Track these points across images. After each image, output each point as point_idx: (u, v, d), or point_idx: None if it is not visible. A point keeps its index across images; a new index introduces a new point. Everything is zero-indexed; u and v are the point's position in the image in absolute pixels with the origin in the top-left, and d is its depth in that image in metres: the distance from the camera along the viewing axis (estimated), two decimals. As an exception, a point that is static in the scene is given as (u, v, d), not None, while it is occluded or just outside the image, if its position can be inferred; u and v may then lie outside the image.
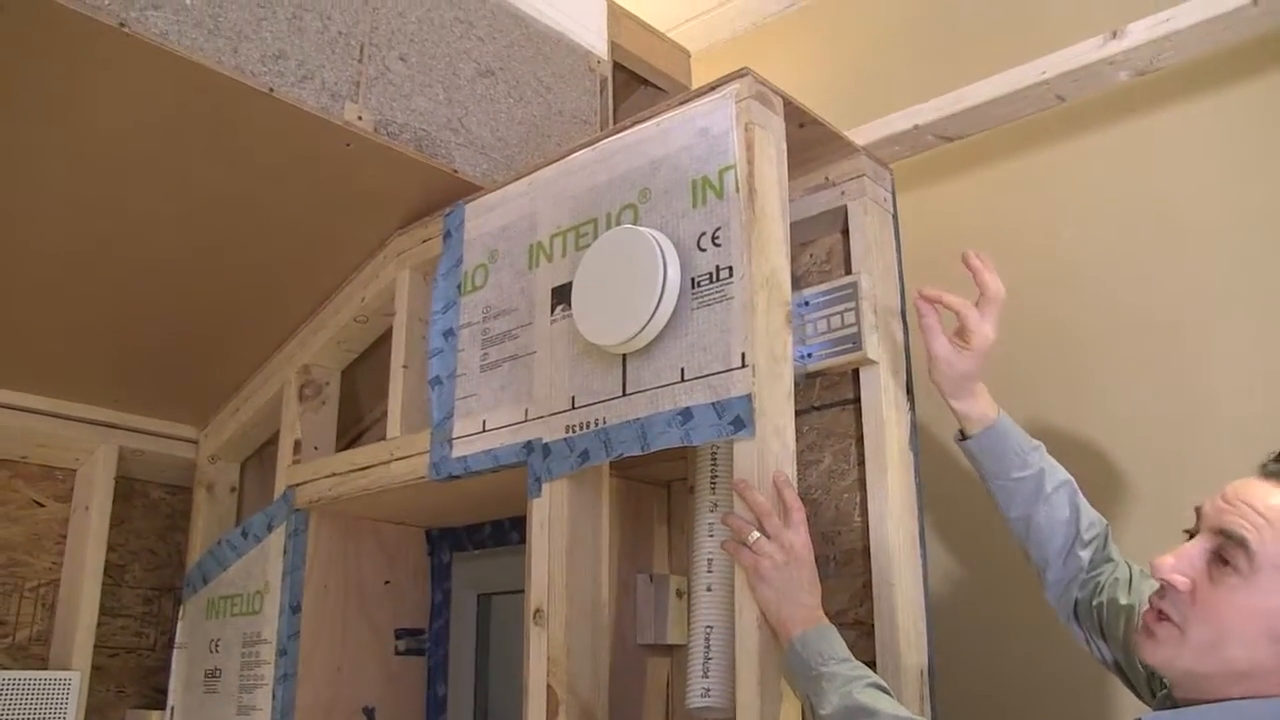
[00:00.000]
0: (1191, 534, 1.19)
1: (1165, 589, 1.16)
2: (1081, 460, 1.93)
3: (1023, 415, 2.00)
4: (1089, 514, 1.54)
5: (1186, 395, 1.86)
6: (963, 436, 1.62)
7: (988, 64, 2.02)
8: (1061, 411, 1.98)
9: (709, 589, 1.57)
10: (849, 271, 1.84)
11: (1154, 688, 1.35)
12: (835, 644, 1.32)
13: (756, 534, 1.38)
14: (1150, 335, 1.92)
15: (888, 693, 1.26)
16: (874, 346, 1.75)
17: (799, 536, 1.37)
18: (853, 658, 1.31)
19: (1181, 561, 1.15)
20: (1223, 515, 1.14)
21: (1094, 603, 1.47)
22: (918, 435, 1.81)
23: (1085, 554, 1.51)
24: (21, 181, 1.84)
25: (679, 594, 1.92)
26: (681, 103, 1.62)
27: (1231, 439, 1.79)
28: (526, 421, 1.71)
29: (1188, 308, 1.89)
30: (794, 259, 1.90)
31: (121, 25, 1.56)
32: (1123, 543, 1.83)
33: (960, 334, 1.59)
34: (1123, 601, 1.42)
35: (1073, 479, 1.56)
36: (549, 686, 1.57)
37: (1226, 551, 1.11)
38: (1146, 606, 1.20)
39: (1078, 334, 2.01)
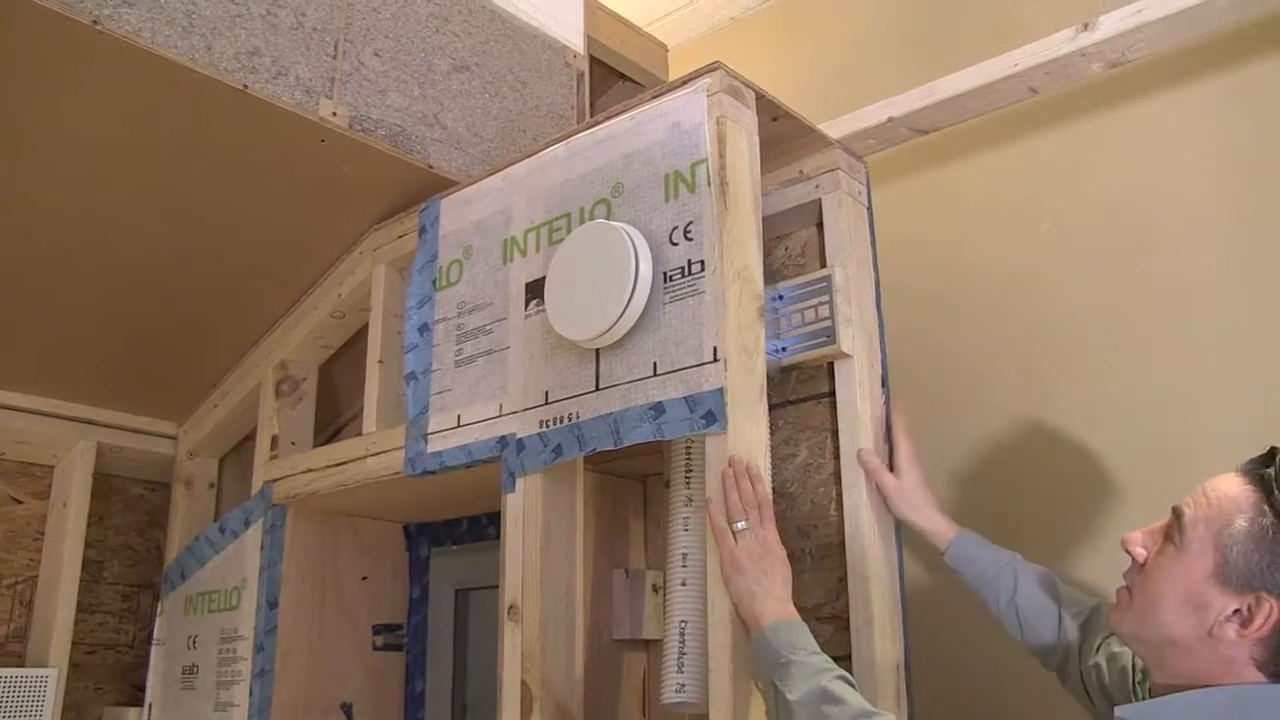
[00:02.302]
0: None
1: (1132, 561, 1.26)
2: (1063, 452, 1.95)
3: (1002, 410, 2.02)
4: (1071, 596, 1.58)
5: (1166, 385, 1.87)
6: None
7: (961, 57, 2.02)
8: (1041, 404, 1.99)
9: (684, 584, 1.57)
10: (824, 265, 1.84)
11: None
12: (806, 637, 1.33)
13: (743, 523, 1.38)
14: (1129, 325, 1.93)
15: (854, 688, 1.27)
16: (849, 340, 1.76)
17: (770, 531, 1.38)
18: (823, 652, 1.32)
19: (1145, 535, 1.25)
20: (1185, 497, 1.21)
21: (1091, 663, 1.48)
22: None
23: (1075, 624, 1.53)
24: (-6, 180, 1.84)
25: (654, 589, 1.92)
26: (653, 97, 1.62)
27: (1212, 429, 1.80)
28: (500, 416, 1.71)
29: (1166, 298, 1.90)
30: (768, 252, 1.91)
31: (95, 23, 1.55)
32: (1106, 533, 1.85)
33: (892, 458, 1.75)
34: (1116, 649, 1.44)
35: (1049, 572, 1.62)
36: (523, 682, 1.57)
37: (1172, 523, 1.20)
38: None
39: (1056, 326, 2.01)
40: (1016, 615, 1.59)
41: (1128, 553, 1.25)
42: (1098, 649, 1.47)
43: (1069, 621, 1.53)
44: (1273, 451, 1.18)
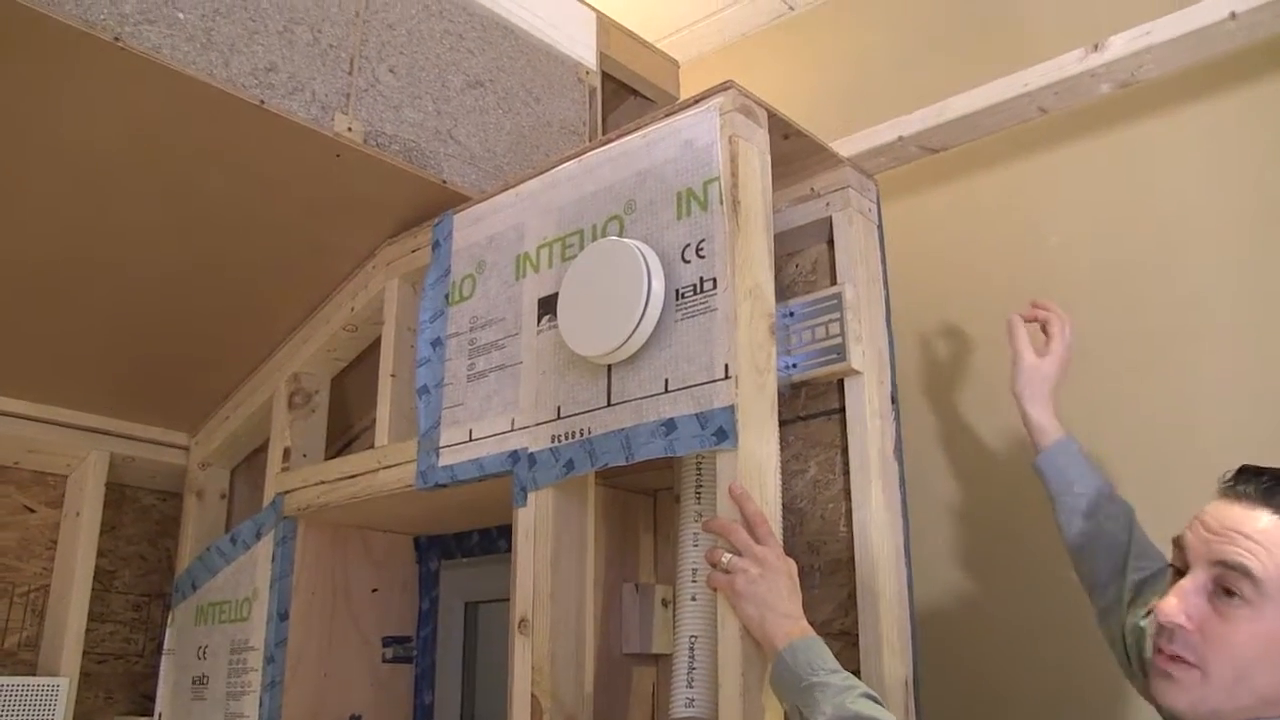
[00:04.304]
0: (1179, 569, 1.19)
1: (1173, 631, 1.15)
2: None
3: (1011, 425, 2.02)
4: (1145, 544, 1.54)
5: (1173, 402, 1.88)
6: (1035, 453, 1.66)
7: (971, 76, 2.04)
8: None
9: (693, 598, 1.57)
10: (834, 282, 1.86)
11: None
12: (825, 655, 1.31)
13: (728, 556, 1.39)
14: (1137, 340, 1.94)
15: (880, 704, 1.26)
16: (859, 357, 1.77)
17: (770, 548, 1.38)
18: (842, 669, 1.31)
19: (1185, 601, 1.14)
20: (1214, 545, 1.14)
21: (1135, 624, 1.44)
22: (903, 445, 1.82)
23: (1134, 578, 1.50)
24: (13, 192, 1.85)
25: (664, 603, 1.93)
26: (666, 115, 1.64)
27: (1218, 446, 1.80)
28: (512, 431, 1.72)
29: (1173, 314, 1.91)
30: (780, 269, 1.92)
31: (116, 39, 1.57)
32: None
33: (1046, 343, 1.70)
34: None
35: (1133, 510, 1.58)
36: (533, 696, 1.58)
37: (1229, 582, 1.11)
38: (1154, 650, 1.19)
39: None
40: (1081, 549, 1.57)
41: (1171, 625, 1.14)
42: (1146, 614, 1.41)
43: (1130, 575, 1.49)
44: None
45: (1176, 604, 1.14)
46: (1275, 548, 1.10)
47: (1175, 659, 1.14)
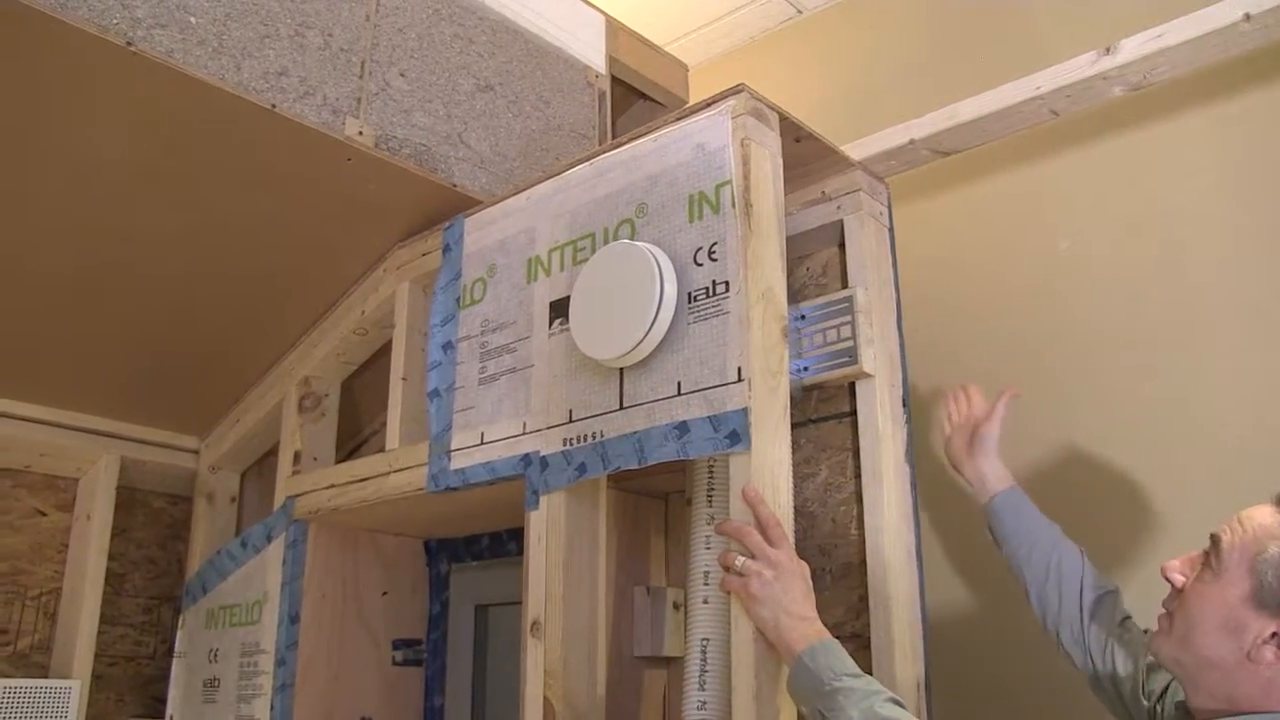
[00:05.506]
0: None
1: (1171, 588, 1.29)
2: (1077, 471, 1.95)
3: (1020, 428, 2.02)
4: (1095, 572, 1.60)
5: (1183, 406, 1.88)
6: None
7: (982, 79, 2.03)
8: (1057, 423, 2.00)
9: (705, 601, 1.57)
10: (845, 285, 1.86)
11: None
12: (844, 659, 1.32)
13: (742, 559, 1.39)
14: (1148, 344, 1.94)
15: (904, 708, 1.26)
16: (870, 360, 1.77)
17: (783, 550, 1.38)
18: (862, 672, 1.31)
19: (1184, 563, 1.28)
20: (1221, 525, 1.24)
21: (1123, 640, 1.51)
22: (914, 448, 1.82)
23: (1089, 596, 1.57)
24: (26, 197, 1.86)
25: (676, 606, 1.93)
26: (678, 118, 1.64)
27: (1227, 451, 1.80)
28: (524, 434, 1.72)
29: (1185, 317, 1.90)
30: (790, 272, 1.92)
31: (128, 44, 1.58)
32: (1115, 549, 1.85)
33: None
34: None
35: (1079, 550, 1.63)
36: (545, 699, 1.58)
37: (1210, 552, 1.24)
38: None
39: (1076, 344, 2.02)
40: (1045, 576, 1.61)
41: (1167, 579, 1.28)
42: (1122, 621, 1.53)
43: (1086, 595, 1.57)
44: None
45: (1178, 564, 1.28)
46: (1253, 536, 1.20)
47: (1165, 614, 1.29)
